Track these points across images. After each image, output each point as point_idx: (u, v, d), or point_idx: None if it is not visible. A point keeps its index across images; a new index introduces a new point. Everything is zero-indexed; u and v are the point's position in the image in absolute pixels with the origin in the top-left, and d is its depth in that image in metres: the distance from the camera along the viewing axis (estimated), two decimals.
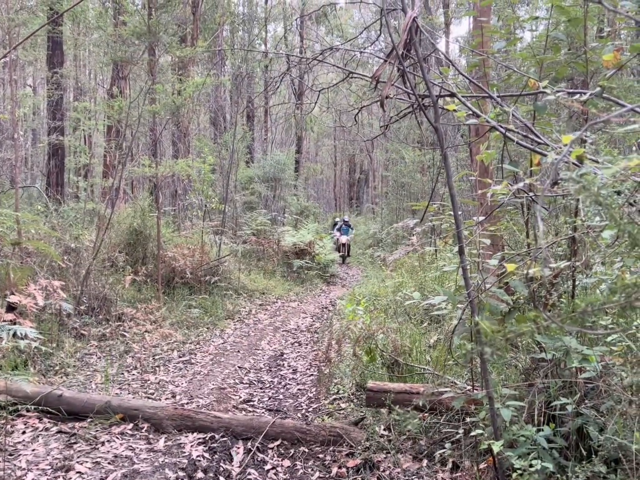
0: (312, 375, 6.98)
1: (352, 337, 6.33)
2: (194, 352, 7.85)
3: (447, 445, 3.70)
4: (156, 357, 7.49)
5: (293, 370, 7.27)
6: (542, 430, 2.88)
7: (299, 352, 8.23)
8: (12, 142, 10.16)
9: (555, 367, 3.01)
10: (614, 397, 2.54)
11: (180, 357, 7.60)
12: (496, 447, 2.71)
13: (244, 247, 14.15)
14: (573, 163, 1.71)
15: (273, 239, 16.00)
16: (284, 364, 7.54)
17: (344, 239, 23.08)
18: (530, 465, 2.67)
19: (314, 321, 10.66)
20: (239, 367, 7.29)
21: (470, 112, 2.71)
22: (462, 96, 2.81)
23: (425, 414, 4.56)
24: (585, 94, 1.85)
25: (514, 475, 2.74)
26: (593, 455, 2.78)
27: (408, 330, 6.61)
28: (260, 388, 6.54)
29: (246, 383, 6.70)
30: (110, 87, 15.50)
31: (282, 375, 7.02)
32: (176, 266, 10.77)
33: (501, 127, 2.58)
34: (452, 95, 2.79)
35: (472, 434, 3.16)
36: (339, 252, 22.49)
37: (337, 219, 26.74)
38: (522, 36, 3.69)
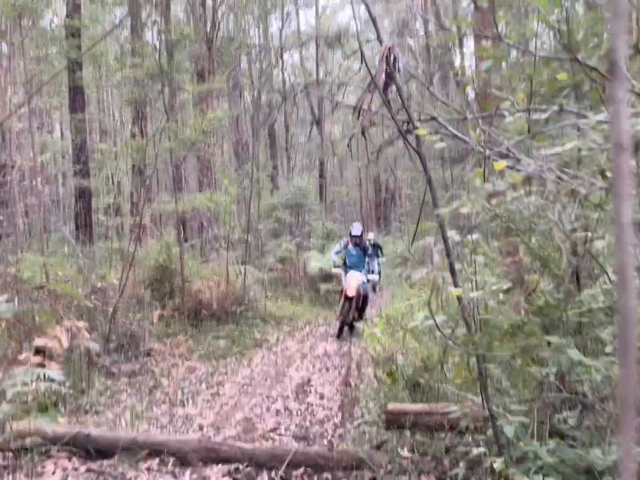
0: (338, 400, 6.96)
1: (373, 360, 6.33)
2: (221, 383, 7.90)
3: (461, 464, 3.68)
4: (184, 390, 7.56)
5: (320, 396, 7.26)
6: (548, 445, 2.86)
7: (326, 377, 8.22)
8: (35, 188, 10.50)
9: (561, 381, 3.00)
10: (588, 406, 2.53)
11: (207, 388, 7.66)
12: (498, 464, 2.71)
13: (270, 275, 14.24)
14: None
15: (298, 264, 16.07)
16: (310, 390, 7.54)
17: (353, 284, 10.62)
18: None
19: (342, 345, 10.64)
20: (266, 396, 7.31)
21: (450, 134, 2.77)
22: (444, 119, 2.87)
23: (448, 434, 4.54)
24: (546, 111, 1.89)
25: None
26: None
27: (432, 350, 6.56)
28: (287, 416, 6.55)
29: (273, 411, 6.72)
30: (132, 127, 15.88)
31: (308, 402, 7.02)
32: (202, 298, 10.89)
33: (482, 147, 2.62)
34: (433, 119, 2.85)
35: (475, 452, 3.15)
36: (344, 310, 10.77)
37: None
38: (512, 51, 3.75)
